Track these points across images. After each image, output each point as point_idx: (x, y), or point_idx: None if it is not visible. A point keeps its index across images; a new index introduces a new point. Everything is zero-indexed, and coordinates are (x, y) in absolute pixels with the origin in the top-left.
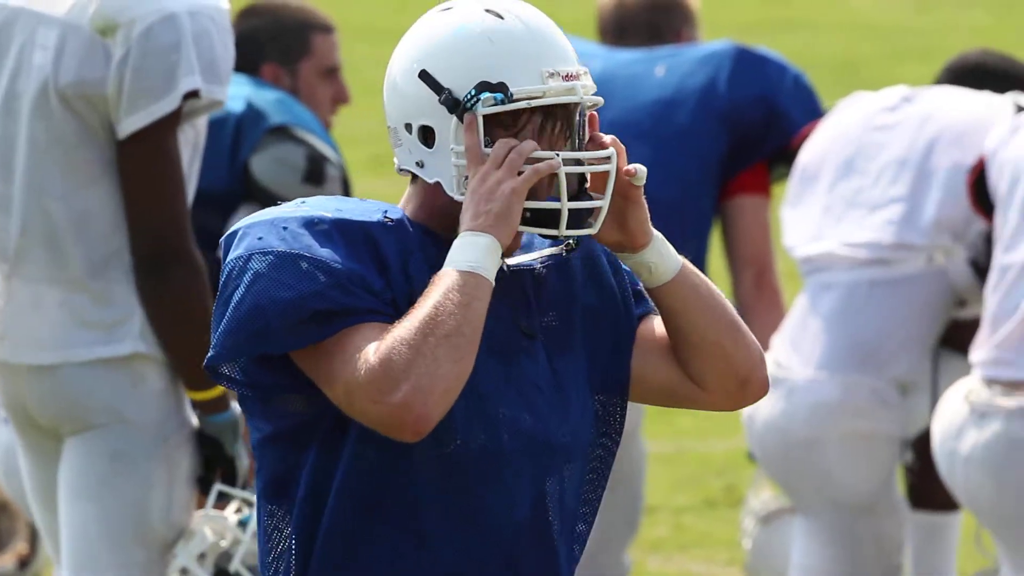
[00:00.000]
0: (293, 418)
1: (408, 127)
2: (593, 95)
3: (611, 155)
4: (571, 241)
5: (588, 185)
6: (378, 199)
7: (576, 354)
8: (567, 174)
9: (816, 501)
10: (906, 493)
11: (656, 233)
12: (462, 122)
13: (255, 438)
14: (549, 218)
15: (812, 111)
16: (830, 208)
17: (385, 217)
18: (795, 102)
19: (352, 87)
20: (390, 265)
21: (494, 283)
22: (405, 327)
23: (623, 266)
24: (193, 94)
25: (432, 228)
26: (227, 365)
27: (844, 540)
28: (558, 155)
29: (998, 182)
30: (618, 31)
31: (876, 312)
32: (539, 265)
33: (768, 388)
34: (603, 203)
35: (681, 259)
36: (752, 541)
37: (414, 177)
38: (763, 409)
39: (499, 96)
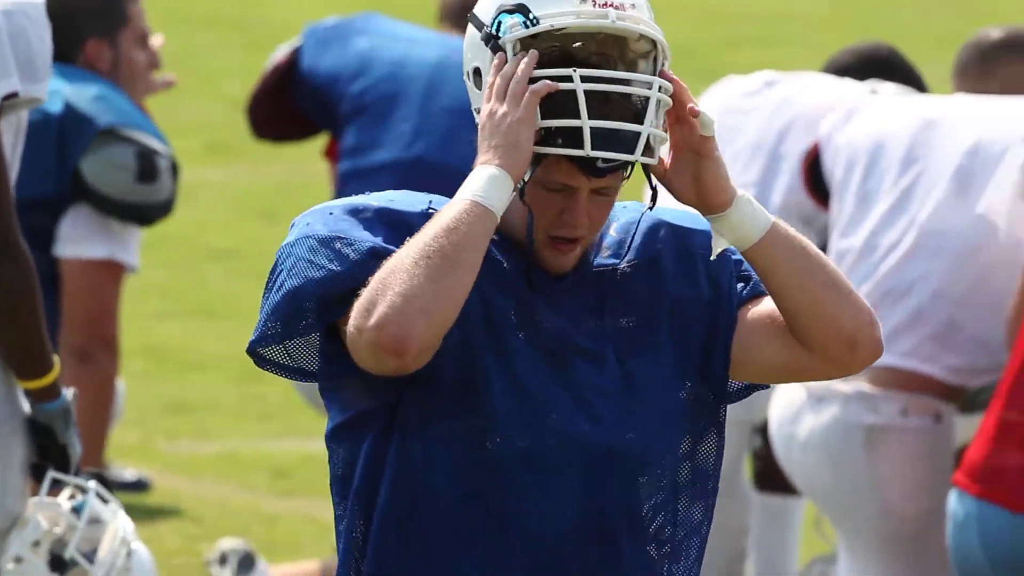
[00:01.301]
0: (353, 409)
1: (467, 75)
2: (625, 25)
3: (652, 81)
4: (651, 188)
5: (651, 118)
6: (213, 187)
7: (660, 354)
8: (604, 93)
9: None
10: (752, 478)
11: (741, 192)
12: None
13: (327, 430)
14: (576, 138)
15: None
16: None
17: (430, 208)
18: None
19: (191, 75)
20: None
21: (499, 214)
22: (392, 257)
23: (732, 257)
24: (12, 95)
25: None
26: (272, 349)
27: None
28: (575, 71)
29: (833, 167)
30: (459, 19)
31: None
32: (624, 264)
33: (882, 349)
34: (641, 128)
35: (772, 219)
36: None
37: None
38: None
39: (520, 18)
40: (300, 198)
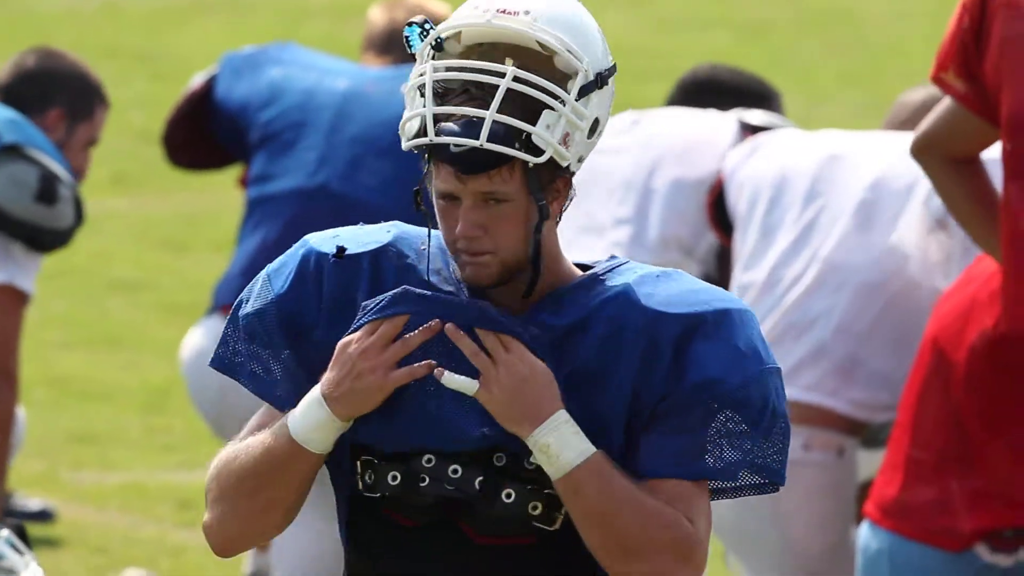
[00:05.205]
0: None
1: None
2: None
3: (505, 70)
4: (536, 198)
5: (496, 105)
6: (118, 217)
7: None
8: (461, 85)
9: None
10: None
11: (557, 419)
12: None
13: None
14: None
15: None
16: (560, 233)
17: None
18: None
19: None
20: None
21: (322, 452)
22: (237, 462)
23: (695, 375)
24: None
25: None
26: None
27: None
28: (429, 63)
29: (737, 201)
30: (385, 47)
31: None
32: (558, 322)
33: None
34: (485, 113)
35: (582, 459)
36: None
37: None
38: None
39: (416, 29)
40: (206, 228)
